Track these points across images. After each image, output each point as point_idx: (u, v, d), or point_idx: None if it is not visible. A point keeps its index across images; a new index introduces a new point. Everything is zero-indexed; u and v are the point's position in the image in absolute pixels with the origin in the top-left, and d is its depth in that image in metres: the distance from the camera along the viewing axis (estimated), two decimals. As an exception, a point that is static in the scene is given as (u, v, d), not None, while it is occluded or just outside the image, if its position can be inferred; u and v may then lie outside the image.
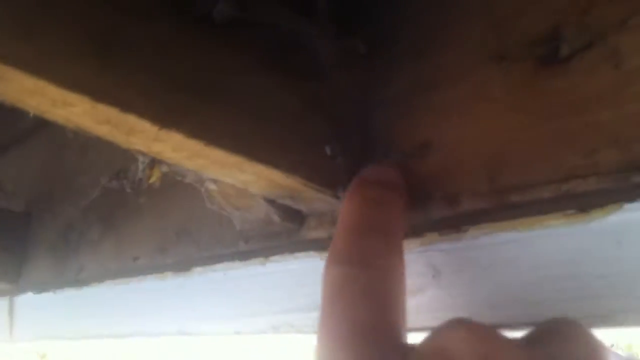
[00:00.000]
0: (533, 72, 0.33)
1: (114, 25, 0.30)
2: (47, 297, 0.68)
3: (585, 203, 0.30)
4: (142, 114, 0.30)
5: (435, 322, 0.35)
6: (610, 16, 0.32)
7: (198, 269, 0.50)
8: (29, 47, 0.27)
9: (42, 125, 0.87)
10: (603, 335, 0.28)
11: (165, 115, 0.31)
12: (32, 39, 0.27)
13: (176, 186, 0.54)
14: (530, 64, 0.34)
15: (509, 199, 0.33)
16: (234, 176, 0.36)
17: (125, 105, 0.29)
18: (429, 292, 0.36)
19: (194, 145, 0.32)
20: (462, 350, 0.25)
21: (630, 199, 0.29)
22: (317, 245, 0.42)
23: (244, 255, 0.46)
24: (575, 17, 0.33)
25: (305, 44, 0.39)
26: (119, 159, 0.64)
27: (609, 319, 0.29)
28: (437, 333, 0.27)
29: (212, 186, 0.42)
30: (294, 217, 0.42)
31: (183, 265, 0.51)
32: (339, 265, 0.31)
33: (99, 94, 0.28)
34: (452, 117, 0.36)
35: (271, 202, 0.41)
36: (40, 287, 0.69)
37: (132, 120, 0.30)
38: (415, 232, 0.37)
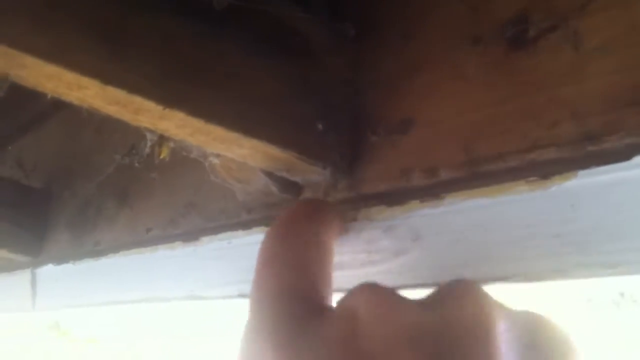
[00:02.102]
0: (504, 53, 0.37)
1: (119, 17, 0.33)
2: (66, 268, 0.72)
3: (546, 171, 0.34)
4: (147, 95, 0.34)
5: (417, 281, 0.39)
6: (572, 1, 0.35)
7: (205, 239, 0.53)
8: (46, 38, 0.31)
9: (58, 107, 0.91)
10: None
11: (169, 96, 0.34)
12: (48, 31, 0.31)
13: (184, 163, 0.58)
14: (502, 45, 0.37)
15: (482, 168, 0.36)
16: (233, 151, 0.40)
17: (131, 87, 0.33)
18: (411, 254, 0.40)
19: (196, 123, 0.36)
20: (363, 310, 0.28)
21: (585, 166, 0.32)
22: (312, 214, 0.46)
23: (247, 225, 0.50)
24: (542, 2, 0.36)
25: (297, 29, 0.42)
26: (132, 137, 0.68)
27: (565, 273, 0.32)
28: (347, 295, 0.30)
29: (215, 160, 0.45)
30: (291, 188, 0.46)
31: (191, 235, 0.55)
32: (271, 239, 0.35)
33: (108, 78, 0.32)
34: (432, 96, 0.39)
35: (269, 174, 0.44)
36: (60, 260, 0.74)
37: (138, 100, 0.34)
38: (398, 201, 0.40)
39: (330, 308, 0.32)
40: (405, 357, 0.26)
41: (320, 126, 0.42)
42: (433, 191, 0.38)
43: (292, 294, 0.32)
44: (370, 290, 0.30)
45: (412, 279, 0.39)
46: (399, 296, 0.30)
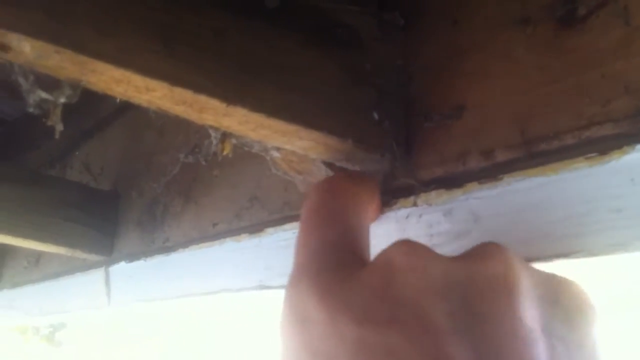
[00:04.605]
0: (554, 33, 0.37)
1: (176, 18, 0.35)
2: (138, 265, 0.75)
3: (604, 146, 0.34)
4: (211, 93, 0.36)
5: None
6: (621, -23, 0.35)
7: (270, 230, 0.55)
8: (113, 44, 0.33)
9: (121, 111, 0.95)
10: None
11: (231, 93, 0.36)
12: (115, 37, 0.33)
13: (245, 158, 0.60)
14: (551, 25, 0.37)
15: (538, 148, 0.37)
16: (293, 143, 0.41)
17: (196, 87, 0.35)
18: (472, 236, 0.41)
19: (257, 118, 0.38)
20: (399, 260, 0.30)
21: (641, 140, 0.32)
22: (372, 201, 0.47)
23: (309, 215, 0.51)
24: (591, -21, 0.36)
25: (348, 21, 0.44)
26: (193, 137, 0.70)
27: (625, 247, 0.33)
28: (384, 250, 0.32)
29: (276, 154, 0.47)
30: (351, 177, 0.47)
31: (256, 227, 0.57)
32: (315, 195, 0.38)
33: (174, 80, 0.34)
34: (484, 79, 0.40)
35: (329, 165, 0.46)
36: (132, 257, 0.77)
37: (203, 99, 0.35)
38: (457, 184, 0.41)
39: (369, 260, 0.35)
40: (436, 303, 0.29)
41: (375, 115, 0.43)
42: (490, 173, 0.39)
43: (335, 246, 0.35)
44: (406, 243, 0.32)
45: (474, 259, 0.40)
46: (432, 251, 0.32)
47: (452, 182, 0.41)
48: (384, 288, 0.30)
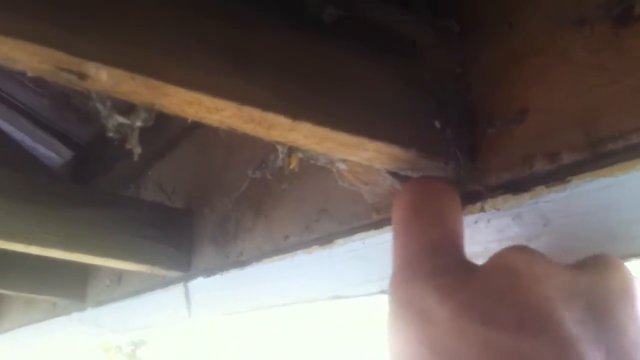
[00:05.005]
0: (611, 32, 0.37)
1: (242, 38, 0.37)
2: (215, 279, 0.78)
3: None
4: (278, 110, 0.37)
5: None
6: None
7: (339, 241, 0.56)
8: (184, 67, 0.34)
9: (189, 130, 0.98)
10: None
11: (296, 109, 0.37)
12: (186, 60, 0.34)
13: (311, 172, 0.61)
14: (607, 24, 0.37)
15: (604, 148, 0.37)
16: (358, 155, 0.42)
17: (264, 105, 0.36)
18: (542, 239, 0.41)
19: (321, 131, 0.39)
20: (523, 267, 0.31)
21: None
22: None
23: (378, 225, 0.52)
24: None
25: (403, 31, 0.44)
26: (259, 153, 0.72)
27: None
28: (502, 255, 0.32)
29: (342, 166, 0.48)
30: (417, 185, 0.48)
31: (326, 239, 0.58)
32: (410, 195, 0.38)
33: (242, 99, 0.35)
34: (543, 82, 0.40)
35: (394, 174, 0.47)
36: (209, 272, 0.79)
37: (270, 117, 0.37)
38: (524, 188, 0.41)
39: (476, 265, 0.35)
40: (564, 312, 0.29)
41: (437, 123, 0.44)
42: (557, 175, 0.39)
43: (440, 247, 0.36)
44: (524, 250, 0.32)
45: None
46: (551, 259, 0.32)
47: (519, 186, 0.41)
48: (509, 293, 0.31)
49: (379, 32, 0.44)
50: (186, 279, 0.85)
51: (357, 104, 0.41)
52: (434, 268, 0.34)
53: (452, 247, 0.36)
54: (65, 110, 1.44)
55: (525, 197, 0.41)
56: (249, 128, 0.38)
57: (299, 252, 0.62)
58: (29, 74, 0.32)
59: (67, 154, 1.46)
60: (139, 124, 0.35)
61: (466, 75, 0.46)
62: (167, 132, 1.03)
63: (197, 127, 0.94)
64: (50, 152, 1.53)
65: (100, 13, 0.32)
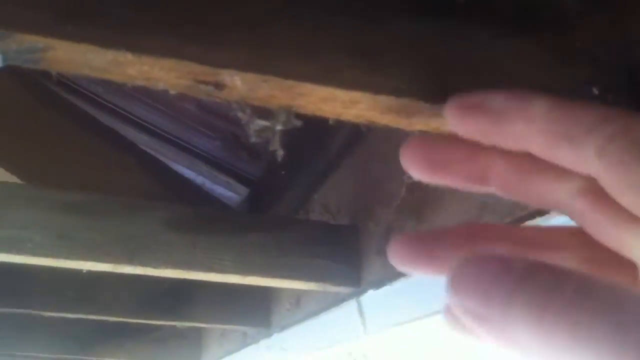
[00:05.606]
0: None
1: (368, 31, 0.36)
2: (385, 290, 0.78)
3: None
4: (415, 95, 0.36)
5: None
6: None
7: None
8: (314, 64, 0.34)
9: (347, 149, 0.99)
10: None
11: (433, 93, 0.36)
12: (316, 56, 0.34)
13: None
14: None
15: None
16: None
17: (398, 91, 0.35)
18: None
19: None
20: None
21: None
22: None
23: (542, 211, 0.50)
24: None
25: (546, 1, 0.42)
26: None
27: None
28: None
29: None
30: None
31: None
32: None
33: (376, 89, 0.35)
34: None
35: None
36: (378, 284, 0.80)
37: (407, 103, 0.36)
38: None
39: None
40: None
41: (595, 90, 0.40)
42: None
43: None
44: None
45: None
46: None
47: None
48: None
49: (518, 7, 0.42)
50: (358, 294, 0.86)
51: (503, 84, 0.39)
52: None
53: None
54: (236, 149, 1.53)
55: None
56: (388, 119, 0.38)
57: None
58: (171, 92, 0.34)
59: (243, 190, 1.55)
60: (279, 127, 0.36)
61: (624, 38, 0.43)
62: (325, 155, 1.06)
63: (354, 144, 0.96)
64: (228, 191, 1.62)
65: (229, 21, 0.33)
